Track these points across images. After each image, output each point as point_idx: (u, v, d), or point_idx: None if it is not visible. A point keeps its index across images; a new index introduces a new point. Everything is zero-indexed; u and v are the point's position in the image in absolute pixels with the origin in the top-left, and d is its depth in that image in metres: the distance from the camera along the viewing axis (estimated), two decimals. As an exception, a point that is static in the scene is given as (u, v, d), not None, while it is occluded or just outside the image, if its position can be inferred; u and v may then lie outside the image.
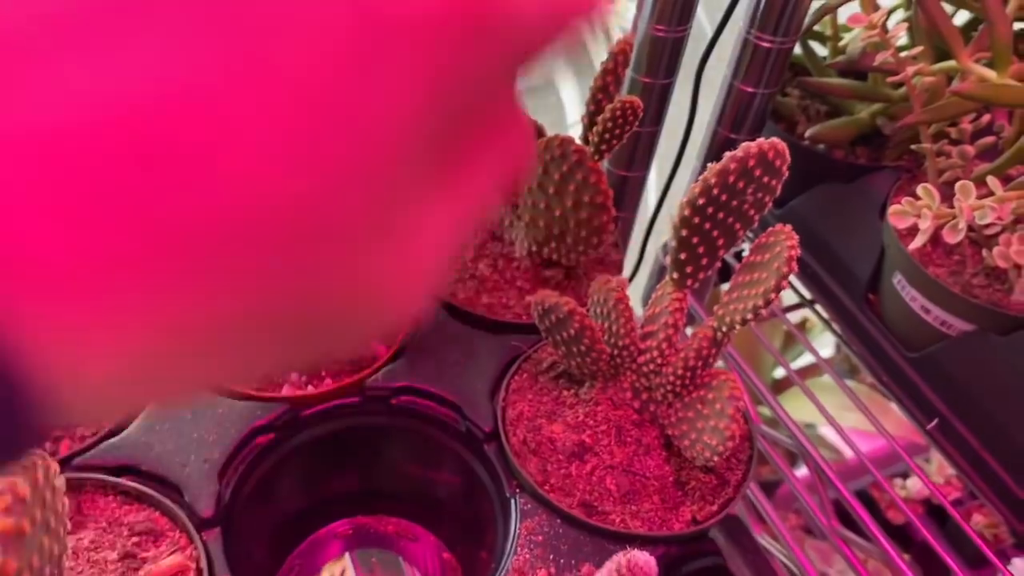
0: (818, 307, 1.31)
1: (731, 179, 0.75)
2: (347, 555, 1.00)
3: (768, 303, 0.75)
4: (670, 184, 1.25)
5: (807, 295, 1.32)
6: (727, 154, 0.75)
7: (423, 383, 0.96)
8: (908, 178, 1.17)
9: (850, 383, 1.58)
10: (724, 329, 0.81)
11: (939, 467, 1.71)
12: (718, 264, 0.84)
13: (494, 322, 1.03)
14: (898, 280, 1.11)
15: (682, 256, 0.82)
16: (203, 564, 0.78)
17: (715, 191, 0.75)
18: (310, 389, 0.94)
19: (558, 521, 0.85)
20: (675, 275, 0.84)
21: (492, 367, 0.98)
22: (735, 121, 1.17)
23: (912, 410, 1.12)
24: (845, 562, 1.04)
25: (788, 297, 1.38)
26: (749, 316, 0.77)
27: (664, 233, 1.35)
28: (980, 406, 1.05)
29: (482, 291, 1.07)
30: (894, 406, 1.23)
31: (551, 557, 0.83)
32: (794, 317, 1.46)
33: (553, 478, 0.89)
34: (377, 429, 0.97)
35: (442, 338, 1.01)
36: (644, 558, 0.67)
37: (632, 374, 0.90)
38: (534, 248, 1.06)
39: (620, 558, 0.69)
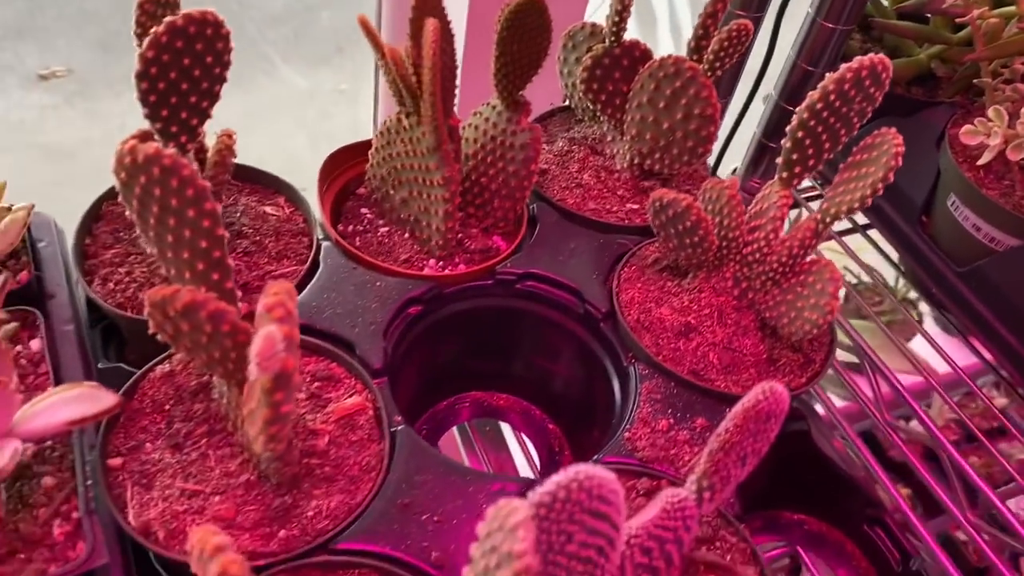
0: (869, 233, 1.45)
1: (846, 87, 0.88)
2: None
3: (875, 192, 0.88)
4: (745, 111, 1.38)
5: (859, 222, 1.45)
6: (843, 65, 0.88)
7: (545, 270, 1.09)
8: (963, 112, 1.31)
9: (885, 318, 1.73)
10: (827, 220, 0.95)
11: (940, 411, 1.84)
12: (820, 167, 0.98)
13: (601, 223, 1.16)
14: (952, 202, 1.25)
15: (794, 156, 0.95)
16: (380, 404, 0.92)
17: (832, 97, 0.89)
18: (448, 271, 1.07)
19: (672, 384, 0.99)
20: (784, 174, 0.97)
21: (603, 260, 1.12)
22: (813, 55, 1.30)
23: (959, 317, 1.26)
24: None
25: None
26: (856, 205, 0.91)
27: (735, 160, 1.48)
28: (1022, 313, 1.19)
29: (587, 198, 1.20)
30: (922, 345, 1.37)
31: (669, 411, 0.97)
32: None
33: (664, 351, 1.02)
34: (505, 310, 1.10)
35: (557, 236, 1.14)
36: (603, 477, 0.71)
37: (735, 264, 1.04)
38: (637, 160, 1.19)
39: (575, 474, 0.72)
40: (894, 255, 1.42)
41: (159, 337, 0.81)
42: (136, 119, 0.91)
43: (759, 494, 1.07)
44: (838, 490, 1.08)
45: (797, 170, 0.96)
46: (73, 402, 0.74)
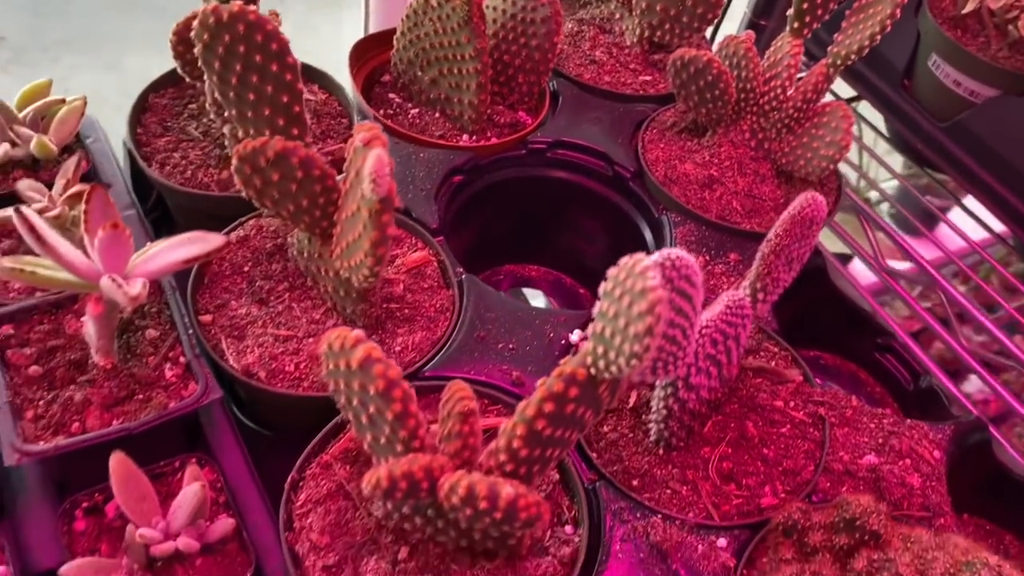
0: (855, 105, 1.55)
1: (855, -67, 0.96)
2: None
3: (884, 30, 0.97)
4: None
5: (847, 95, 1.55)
6: (851, -86, 0.96)
7: (573, 138, 1.17)
8: (938, -22, 1.40)
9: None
10: (838, 63, 1.04)
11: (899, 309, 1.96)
12: (827, 18, 1.06)
13: (619, 94, 1.23)
14: (933, 61, 1.34)
15: (804, 6, 1.03)
16: (443, 257, 0.99)
17: (841, -57, 0.96)
18: (482, 144, 1.14)
19: (703, 227, 1.08)
20: (795, 24, 1.05)
21: (625, 127, 1.19)
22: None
23: (945, 169, 1.37)
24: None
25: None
26: (866, 43, 0.99)
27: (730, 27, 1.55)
28: (1003, 160, 1.30)
29: (602, 72, 1.27)
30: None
31: (703, 250, 1.05)
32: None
33: (692, 201, 1.11)
34: (538, 179, 1.18)
35: (579, 108, 1.21)
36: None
37: (752, 116, 1.12)
38: (647, 33, 1.26)
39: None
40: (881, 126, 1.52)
41: (245, 193, 0.87)
42: (77, 83, 0.94)
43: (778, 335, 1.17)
44: (850, 324, 1.18)
45: (807, 19, 1.04)
46: (183, 245, 0.80)
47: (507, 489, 0.63)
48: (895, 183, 1.53)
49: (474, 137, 1.15)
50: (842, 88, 1.53)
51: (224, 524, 0.78)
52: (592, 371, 0.64)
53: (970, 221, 1.39)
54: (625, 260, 0.61)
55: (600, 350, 0.63)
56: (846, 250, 1.40)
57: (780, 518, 0.79)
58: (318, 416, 0.82)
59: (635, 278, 0.59)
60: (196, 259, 0.79)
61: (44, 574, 0.78)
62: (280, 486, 0.79)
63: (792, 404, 0.92)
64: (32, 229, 0.72)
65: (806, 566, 0.74)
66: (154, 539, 0.75)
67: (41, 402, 0.82)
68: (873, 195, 1.50)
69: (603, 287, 0.64)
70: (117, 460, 0.76)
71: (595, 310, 0.63)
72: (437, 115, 1.18)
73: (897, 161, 1.55)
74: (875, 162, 1.49)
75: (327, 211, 0.86)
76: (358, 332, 0.67)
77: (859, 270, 1.40)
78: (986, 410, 1.21)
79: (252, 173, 0.84)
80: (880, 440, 0.90)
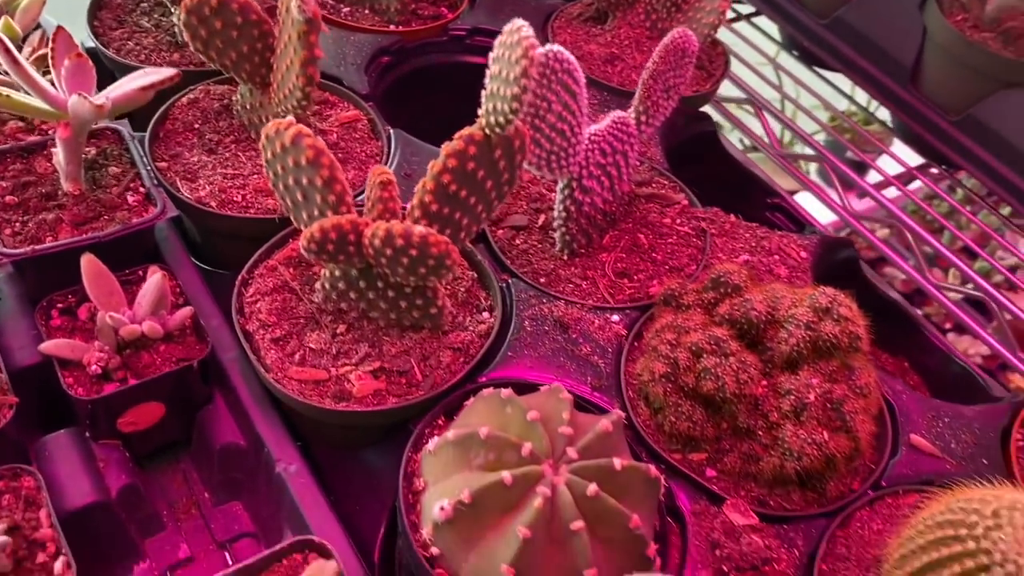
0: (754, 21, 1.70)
1: None
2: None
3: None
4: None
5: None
6: None
7: (490, 26, 1.30)
8: None
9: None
10: (714, -60, 1.19)
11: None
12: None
13: (528, -9, 1.38)
14: (814, -34, 1.50)
15: None
16: (372, 116, 1.12)
17: None
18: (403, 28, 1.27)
19: (605, 92, 1.22)
20: (677, -90, 1.20)
21: (538, 18, 1.33)
22: None
23: (831, 64, 1.52)
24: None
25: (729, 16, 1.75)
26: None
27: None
28: (880, 48, 1.46)
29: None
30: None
31: (604, 111, 1.20)
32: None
33: (595, 74, 1.25)
34: (459, 65, 1.31)
35: (494, 3, 1.35)
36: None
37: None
38: (554, -61, 1.40)
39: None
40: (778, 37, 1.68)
41: (193, 47, 0.99)
42: None
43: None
44: (743, 184, 1.33)
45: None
46: (141, 76, 0.92)
47: (419, 228, 0.76)
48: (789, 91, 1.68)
49: (399, 27, 1.29)
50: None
51: (183, 312, 0.90)
52: (487, 131, 0.78)
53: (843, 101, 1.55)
54: (507, 26, 0.75)
55: (491, 107, 0.76)
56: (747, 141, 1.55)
57: (660, 291, 0.93)
58: (265, 242, 0.94)
59: (513, 35, 0.73)
60: (153, 86, 0.92)
61: (25, 369, 0.89)
62: (231, 313, 0.90)
63: (679, 221, 1.07)
64: (7, 51, 0.84)
65: (679, 316, 0.88)
66: (122, 322, 0.87)
67: (17, 223, 0.93)
68: (773, 96, 1.65)
69: (491, 55, 0.77)
70: (88, 259, 0.88)
71: (487, 76, 0.77)
72: (367, 11, 1.31)
73: (790, 63, 1.70)
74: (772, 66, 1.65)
75: (265, 57, 0.99)
76: (290, 119, 0.80)
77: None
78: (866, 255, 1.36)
79: (199, 24, 0.96)
80: (753, 244, 1.05)
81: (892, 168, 1.50)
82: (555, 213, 0.99)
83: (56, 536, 0.74)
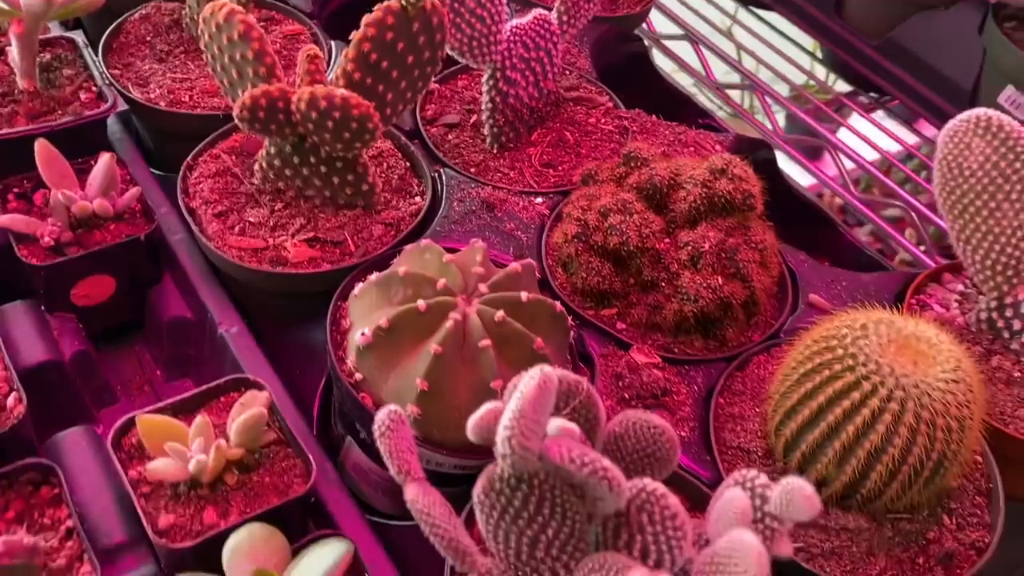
0: None
1: None
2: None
3: None
4: None
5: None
6: None
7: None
8: None
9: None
10: None
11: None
12: None
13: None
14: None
15: None
16: (316, 31, 1.19)
17: None
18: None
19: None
20: None
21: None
22: None
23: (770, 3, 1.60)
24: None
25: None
26: None
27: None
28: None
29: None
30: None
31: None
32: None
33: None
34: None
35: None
36: None
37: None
38: None
39: None
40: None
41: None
42: None
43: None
44: (674, 105, 1.40)
45: None
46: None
47: (340, 91, 0.83)
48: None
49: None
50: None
51: (132, 192, 0.96)
52: (404, 3, 0.85)
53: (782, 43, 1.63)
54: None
55: (407, -22, 0.83)
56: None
57: (579, 173, 1.00)
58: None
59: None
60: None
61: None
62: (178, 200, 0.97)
63: (603, 120, 1.14)
64: (-39, -55, 0.90)
65: (592, 188, 0.95)
66: (73, 199, 0.93)
67: (-26, 117, 0.99)
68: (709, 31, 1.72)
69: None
70: (41, 143, 0.94)
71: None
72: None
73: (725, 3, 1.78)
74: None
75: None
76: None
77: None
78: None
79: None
80: (671, 139, 1.12)
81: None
82: (482, 105, 1.05)
83: (9, 376, 0.81)
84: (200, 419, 0.75)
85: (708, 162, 0.90)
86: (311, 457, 0.77)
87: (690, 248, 0.87)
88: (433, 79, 0.94)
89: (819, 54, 1.66)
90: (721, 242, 0.87)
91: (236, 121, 0.87)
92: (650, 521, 0.62)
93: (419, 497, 0.65)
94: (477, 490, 0.63)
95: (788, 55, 1.60)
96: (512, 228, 0.98)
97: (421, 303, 0.76)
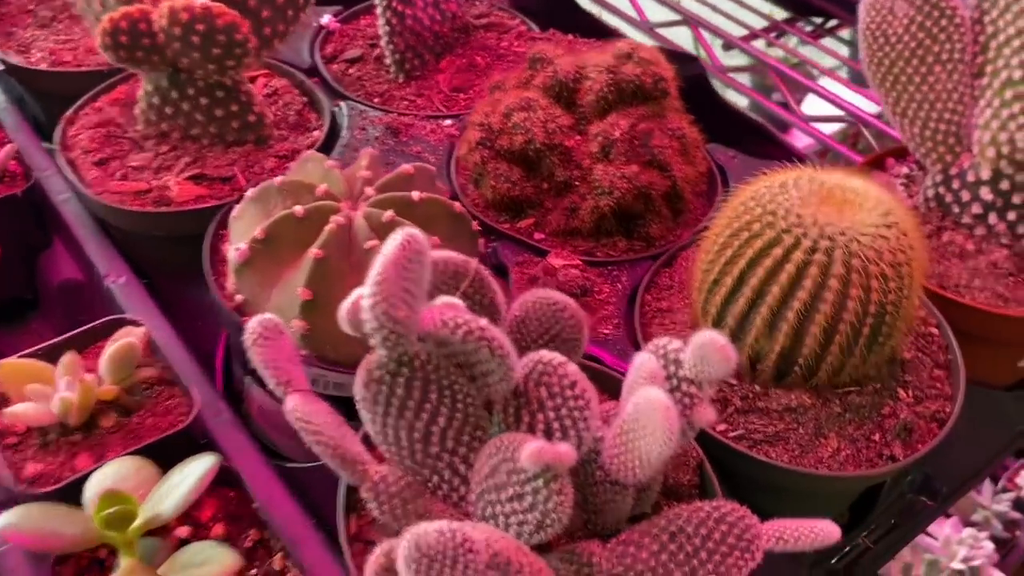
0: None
1: None
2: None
3: None
4: None
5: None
6: None
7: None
8: None
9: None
10: None
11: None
12: None
13: None
14: None
15: None
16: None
17: None
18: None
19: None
20: None
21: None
22: None
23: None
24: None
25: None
26: None
27: None
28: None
29: None
30: None
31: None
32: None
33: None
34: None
35: None
36: None
37: None
38: None
39: None
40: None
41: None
42: None
43: None
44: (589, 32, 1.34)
45: None
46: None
47: (202, 0, 0.77)
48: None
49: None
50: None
51: (7, 148, 0.90)
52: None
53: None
54: None
55: None
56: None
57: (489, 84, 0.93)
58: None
59: None
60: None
61: None
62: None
63: (516, 44, 1.08)
64: None
65: (498, 94, 0.88)
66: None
67: None
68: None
69: None
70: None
71: None
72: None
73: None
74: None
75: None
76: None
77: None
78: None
79: None
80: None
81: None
82: (379, 30, 0.99)
83: None
84: (66, 357, 0.68)
85: (614, 48, 0.84)
86: (195, 392, 0.70)
87: (600, 138, 0.81)
88: (332, 16, 0.88)
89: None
90: (632, 127, 0.80)
91: (100, 49, 0.81)
92: (549, 395, 0.55)
93: (298, 406, 0.58)
94: (356, 385, 0.56)
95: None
96: (419, 151, 0.91)
97: (298, 208, 0.69)
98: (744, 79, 1.47)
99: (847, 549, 0.78)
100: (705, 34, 1.46)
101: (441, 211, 0.73)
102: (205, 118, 0.87)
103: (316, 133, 0.92)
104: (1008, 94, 0.82)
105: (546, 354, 0.55)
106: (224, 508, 0.66)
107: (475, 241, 0.76)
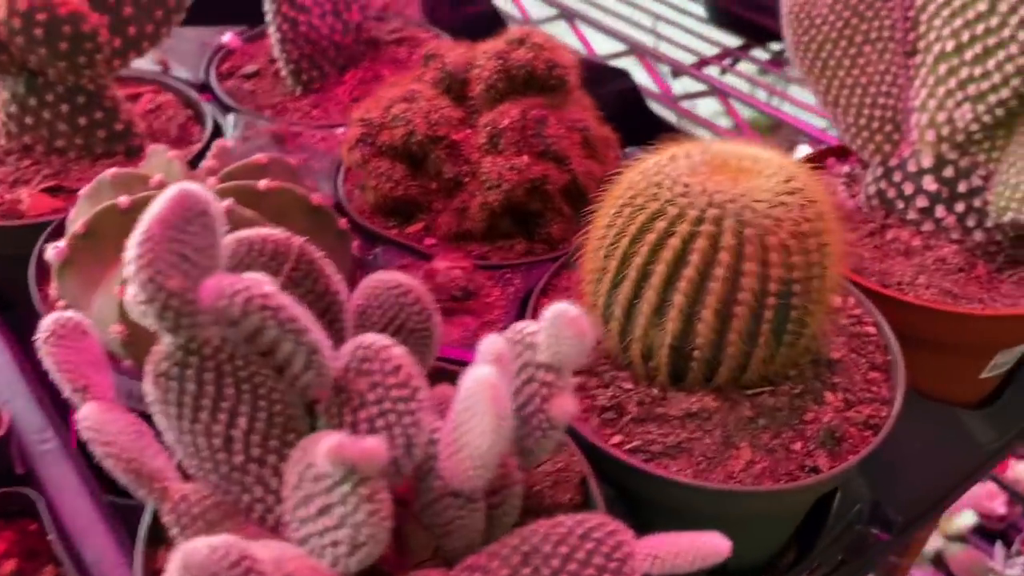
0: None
1: None
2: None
3: None
4: None
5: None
6: None
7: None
8: None
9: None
10: None
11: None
12: None
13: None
14: None
15: None
16: None
17: None
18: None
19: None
20: None
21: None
22: None
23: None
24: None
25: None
26: None
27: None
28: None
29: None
30: None
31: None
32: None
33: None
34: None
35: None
36: None
37: None
38: None
39: None
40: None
41: None
42: None
43: None
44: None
45: None
46: None
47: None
48: None
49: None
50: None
51: None
52: None
53: None
54: None
55: None
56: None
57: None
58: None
59: None
60: None
61: None
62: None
63: (429, 57, 1.01)
64: None
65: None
66: None
67: None
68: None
69: None
70: None
71: None
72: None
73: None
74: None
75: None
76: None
77: None
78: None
79: None
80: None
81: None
82: (271, 39, 0.93)
83: None
84: None
85: (505, 34, 0.77)
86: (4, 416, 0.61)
87: (488, 128, 0.73)
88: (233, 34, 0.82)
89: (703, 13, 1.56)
90: (523, 115, 0.72)
91: (-63, 50, 0.74)
92: (371, 386, 0.45)
93: (92, 415, 0.48)
94: (145, 384, 0.46)
95: (671, 19, 1.49)
96: (305, 159, 0.84)
97: (123, 199, 0.61)
98: (703, 108, 1.41)
99: (787, 590, 0.67)
100: (654, 63, 1.40)
101: (295, 203, 0.64)
102: (69, 127, 0.80)
103: (197, 145, 0.85)
104: (942, 69, 0.74)
105: (368, 336, 0.46)
106: (21, 543, 0.56)
107: (344, 241, 0.68)
